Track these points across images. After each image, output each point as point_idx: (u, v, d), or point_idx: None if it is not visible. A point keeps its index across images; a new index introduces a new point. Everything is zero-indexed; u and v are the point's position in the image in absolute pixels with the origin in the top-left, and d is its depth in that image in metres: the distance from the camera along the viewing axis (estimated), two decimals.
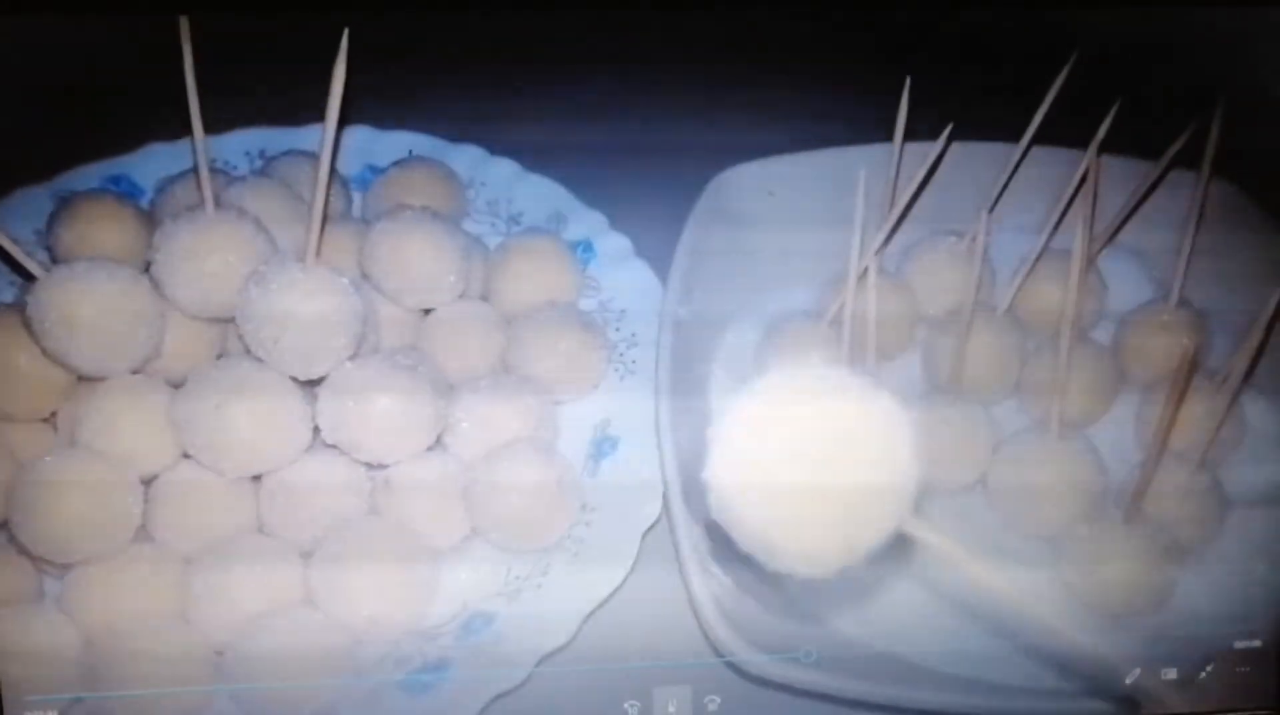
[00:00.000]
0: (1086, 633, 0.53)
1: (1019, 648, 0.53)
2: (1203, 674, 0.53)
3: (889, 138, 0.57)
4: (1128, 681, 0.53)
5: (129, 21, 0.53)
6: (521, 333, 0.58)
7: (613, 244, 0.62)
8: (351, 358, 0.53)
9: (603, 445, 0.58)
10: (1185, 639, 0.54)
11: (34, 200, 0.56)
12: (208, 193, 0.52)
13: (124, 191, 0.56)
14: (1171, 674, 0.53)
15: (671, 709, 0.53)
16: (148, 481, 0.53)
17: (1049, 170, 0.60)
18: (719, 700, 0.53)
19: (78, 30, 0.53)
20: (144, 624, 0.51)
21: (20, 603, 0.51)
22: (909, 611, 0.55)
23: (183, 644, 0.51)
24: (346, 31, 0.49)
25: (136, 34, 0.53)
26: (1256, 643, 0.54)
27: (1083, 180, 0.58)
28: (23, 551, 0.51)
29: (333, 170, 0.52)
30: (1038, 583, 0.56)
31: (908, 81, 0.56)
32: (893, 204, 0.58)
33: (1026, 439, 0.58)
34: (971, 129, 0.59)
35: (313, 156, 0.59)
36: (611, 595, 0.53)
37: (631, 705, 0.53)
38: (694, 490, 0.55)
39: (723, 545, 0.55)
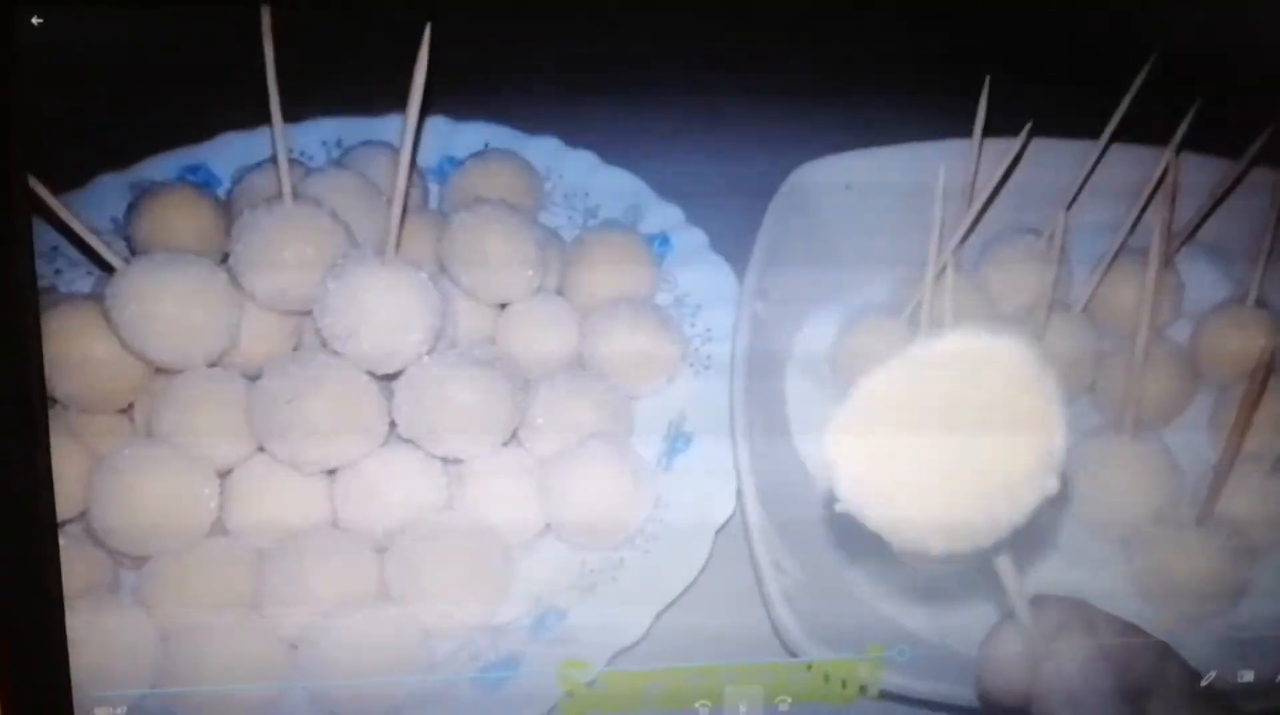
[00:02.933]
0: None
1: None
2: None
3: (968, 134, 0.57)
4: (1203, 683, 0.53)
5: (206, 8, 0.52)
6: (597, 327, 0.58)
7: (689, 238, 0.61)
8: (428, 352, 0.53)
9: (677, 441, 0.58)
10: (1262, 641, 0.54)
11: (111, 189, 0.55)
12: (286, 184, 0.52)
13: (201, 181, 0.56)
14: (1248, 676, 0.53)
15: (743, 708, 0.53)
16: (224, 474, 0.53)
17: (1128, 168, 0.59)
18: (790, 700, 0.53)
19: (151, 17, 0.52)
20: (219, 617, 0.51)
21: (97, 595, 0.51)
22: (983, 612, 0.55)
23: (257, 638, 0.51)
24: (429, 26, 0.48)
25: (213, 20, 0.52)
26: None
27: (1161, 179, 0.57)
28: (99, 544, 0.51)
29: (412, 163, 0.52)
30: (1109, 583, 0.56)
31: (987, 79, 0.56)
32: (971, 201, 0.58)
33: (1100, 439, 0.58)
34: (1051, 126, 0.58)
35: (390, 147, 0.58)
36: (684, 592, 0.53)
37: (703, 705, 0.53)
38: (768, 487, 0.55)
39: (798, 542, 0.55)
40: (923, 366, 0.37)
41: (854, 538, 0.55)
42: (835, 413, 0.37)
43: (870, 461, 0.37)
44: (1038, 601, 0.42)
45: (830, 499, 0.38)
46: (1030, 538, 0.53)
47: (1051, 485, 0.37)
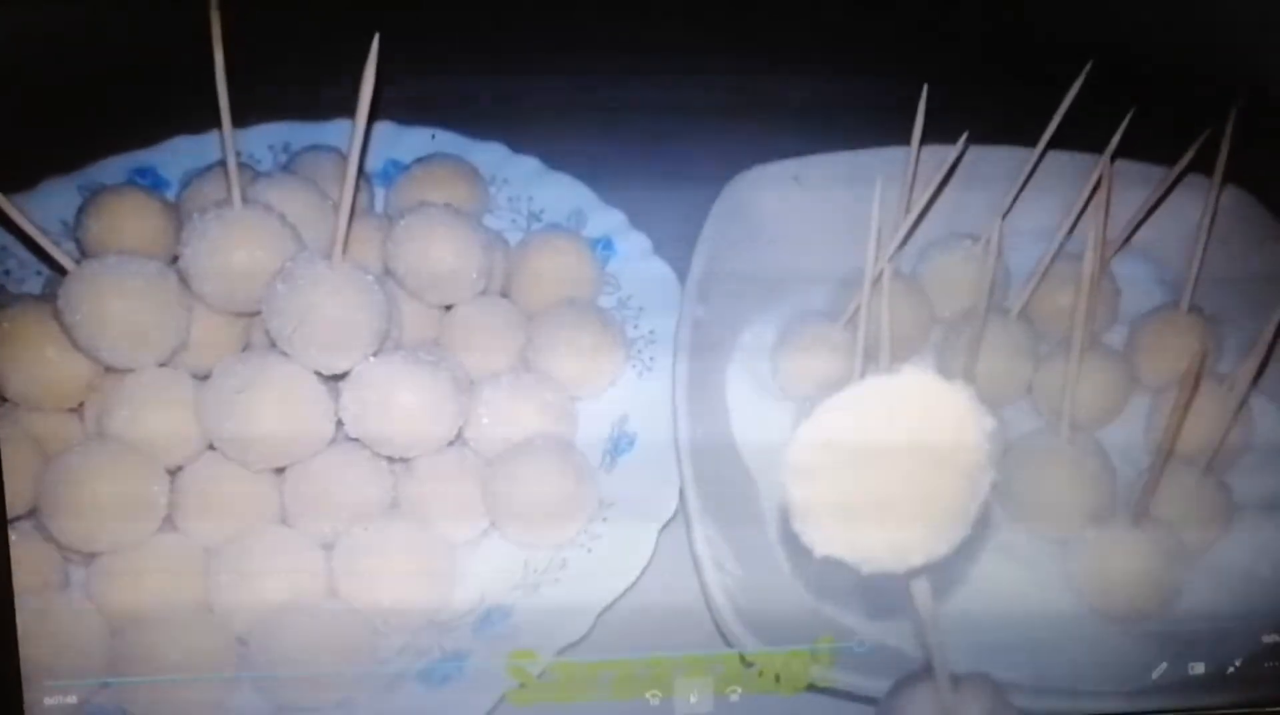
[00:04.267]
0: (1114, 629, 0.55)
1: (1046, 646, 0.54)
2: (1231, 669, 0.54)
3: (907, 141, 0.58)
4: (1154, 676, 0.53)
5: (153, 11, 0.53)
6: (541, 329, 0.59)
7: (632, 242, 0.62)
8: (375, 353, 0.54)
9: (620, 441, 0.59)
10: (1212, 634, 0.55)
11: (60, 192, 0.56)
12: (235, 188, 0.53)
13: (150, 184, 0.57)
14: (1199, 669, 0.54)
15: (693, 699, 0.53)
16: (173, 472, 0.54)
17: (1065, 174, 0.60)
18: (740, 690, 0.54)
19: (99, 21, 0.53)
20: (168, 613, 0.52)
21: (46, 590, 0.52)
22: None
23: (206, 633, 0.52)
24: (377, 36, 0.49)
25: (162, 25, 0.53)
26: None
27: (1096, 185, 0.58)
28: (49, 540, 0.52)
29: (359, 168, 0.53)
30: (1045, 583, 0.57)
31: (925, 88, 0.56)
32: (909, 207, 0.58)
33: (1036, 441, 0.58)
34: (988, 133, 0.59)
35: (337, 152, 0.59)
36: (628, 590, 0.54)
37: (654, 694, 0.53)
38: (710, 487, 0.56)
39: (739, 541, 0.56)
40: (869, 409, 0.38)
41: (795, 540, 0.57)
42: (791, 456, 0.38)
43: (831, 501, 0.38)
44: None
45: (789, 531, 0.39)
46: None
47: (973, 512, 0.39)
